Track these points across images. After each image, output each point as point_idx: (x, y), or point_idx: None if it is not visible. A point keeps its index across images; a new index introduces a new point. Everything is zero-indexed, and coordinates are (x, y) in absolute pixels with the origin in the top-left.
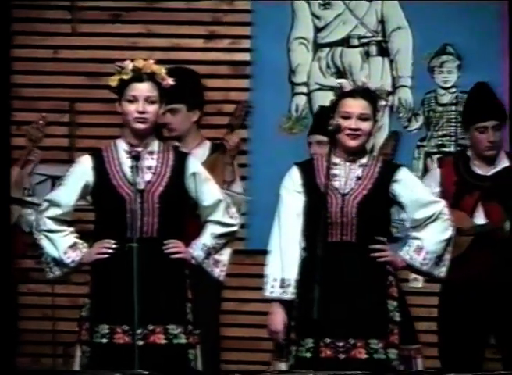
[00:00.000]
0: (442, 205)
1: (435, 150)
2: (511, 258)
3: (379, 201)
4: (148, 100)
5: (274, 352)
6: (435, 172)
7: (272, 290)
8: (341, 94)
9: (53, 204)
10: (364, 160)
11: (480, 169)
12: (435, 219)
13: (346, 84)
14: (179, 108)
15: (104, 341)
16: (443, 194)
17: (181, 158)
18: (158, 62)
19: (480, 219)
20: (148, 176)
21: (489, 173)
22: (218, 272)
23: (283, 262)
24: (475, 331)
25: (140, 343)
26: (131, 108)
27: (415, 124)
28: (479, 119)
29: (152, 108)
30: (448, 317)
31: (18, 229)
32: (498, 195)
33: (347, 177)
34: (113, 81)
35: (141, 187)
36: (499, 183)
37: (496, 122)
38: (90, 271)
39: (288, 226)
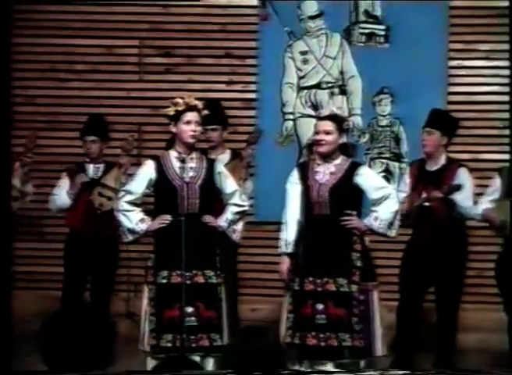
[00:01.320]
0: (391, 189)
1: (376, 156)
2: (447, 226)
3: (345, 188)
4: (197, 123)
5: (285, 288)
6: (407, 170)
7: (281, 247)
8: (317, 119)
9: (128, 192)
10: (337, 161)
11: (428, 167)
12: (386, 198)
13: (323, 112)
14: (217, 128)
15: (164, 281)
16: (412, 183)
17: (210, 162)
18: (198, 99)
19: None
20: (191, 173)
21: (433, 169)
22: (235, 236)
23: (288, 231)
24: (419, 278)
25: (188, 282)
26: (187, 128)
27: (363, 139)
28: (425, 127)
29: (199, 129)
30: (404, 266)
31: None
32: (437, 182)
33: (324, 172)
34: (170, 111)
35: (187, 180)
36: (439, 173)
37: (433, 130)
38: (154, 236)
39: (291, 208)
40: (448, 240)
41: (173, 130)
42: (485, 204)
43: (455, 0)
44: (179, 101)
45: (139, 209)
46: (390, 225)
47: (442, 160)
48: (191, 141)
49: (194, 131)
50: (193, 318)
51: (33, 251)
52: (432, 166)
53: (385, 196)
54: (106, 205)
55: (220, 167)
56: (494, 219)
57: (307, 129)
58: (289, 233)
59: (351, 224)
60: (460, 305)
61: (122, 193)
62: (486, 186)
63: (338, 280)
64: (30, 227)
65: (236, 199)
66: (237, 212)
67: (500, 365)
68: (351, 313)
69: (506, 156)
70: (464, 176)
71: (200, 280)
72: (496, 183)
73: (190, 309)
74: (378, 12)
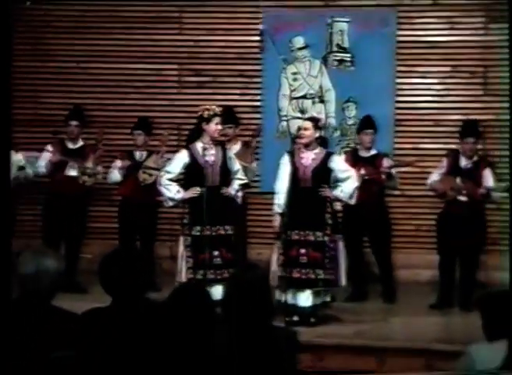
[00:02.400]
0: (352, 172)
1: (345, 146)
2: (382, 191)
3: (322, 170)
4: (220, 124)
5: (275, 237)
6: (344, 156)
7: (275, 209)
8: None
9: (168, 172)
10: (316, 151)
11: (362, 153)
12: (348, 178)
13: (305, 116)
14: (232, 126)
15: (198, 233)
16: (353, 165)
17: (224, 150)
18: (219, 106)
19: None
20: (212, 158)
21: (367, 155)
22: (239, 200)
23: (279, 197)
24: (358, 228)
25: (214, 234)
26: (215, 128)
27: (336, 134)
28: (362, 129)
29: (221, 128)
30: (345, 219)
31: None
32: (370, 163)
33: (307, 158)
34: (204, 115)
35: (210, 163)
36: (370, 159)
37: (370, 130)
38: (187, 202)
39: (282, 180)
40: (381, 203)
41: (205, 128)
42: (433, 178)
43: (400, 36)
44: (211, 108)
45: (176, 184)
46: (351, 196)
47: (374, 150)
48: (217, 136)
49: (219, 130)
50: (218, 259)
51: (100, 212)
52: (366, 153)
53: (348, 176)
54: (148, 179)
55: (231, 154)
56: (438, 189)
57: (296, 127)
58: (281, 199)
59: (325, 194)
60: (390, 250)
61: (164, 172)
62: (423, 167)
63: (316, 233)
64: (99, 195)
65: (238, 175)
66: (240, 184)
67: (428, 293)
68: (324, 256)
69: (439, 146)
70: (389, 162)
71: (221, 232)
72: (443, 163)
73: (216, 253)
74: (346, 45)
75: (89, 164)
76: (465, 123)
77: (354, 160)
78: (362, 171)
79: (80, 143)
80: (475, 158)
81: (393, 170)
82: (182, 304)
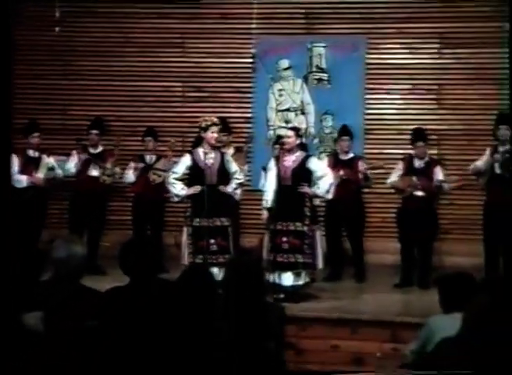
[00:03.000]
0: (327, 171)
1: (322, 151)
2: (359, 189)
3: (301, 170)
4: (217, 133)
5: (265, 228)
6: (327, 159)
7: (264, 204)
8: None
9: (174, 173)
10: (297, 154)
11: (341, 157)
12: (324, 176)
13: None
14: (226, 134)
15: (197, 224)
16: (333, 167)
17: (222, 154)
18: (217, 117)
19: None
20: (211, 161)
21: (345, 158)
22: (237, 197)
23: (267, 195)
24: (338, 220)
25: (211, 225)
26: (212, 136)
27: (315, 141)
28: (341, 136)
29: (217, 136)
30: (327, 213)
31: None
32: (348, 165)
33: (289, 160)
34: (202, 124)
35: (209, 165)
36: (348, 162)
37: (347, 137)
38: (190, 197)
39: (269, 181)
40: (357, 198)
41: (203, 135)
42: (393, 178)
43: (368, 59)
44: (208, 119)
45: (181, 182)
46: (327, 191)
47: (351, 154)
48: (213, 142)
49: (215, 138)
50: (214, 246)
51: (117, 207)
52: (344, 156)
53: (324, 174)
54: (157, 179)
55: (228, 157)
56: (398, 187)
57: (277, 136)
58: (268, 196)
59: (303, 190)
60: (363, 239)
61: (171, 173)
62: (388, 169)
63: (296, 223)
64: (115, 192)
65: (236, 175)
66: (237, 183)
67: (392, 274)
68: (303, 243)
69: (401, 151)
70: (363, 164)
71: (218, 223)
72: (400, 165)
73: (212, 241)
74: (323, 66)
75: (108, 166)
76: (414, 130)
77: (335, 163)
78: (341, 172)
79: (100, 148)
80: (426, 158)
81: (369, 172)
82: (189, 283)
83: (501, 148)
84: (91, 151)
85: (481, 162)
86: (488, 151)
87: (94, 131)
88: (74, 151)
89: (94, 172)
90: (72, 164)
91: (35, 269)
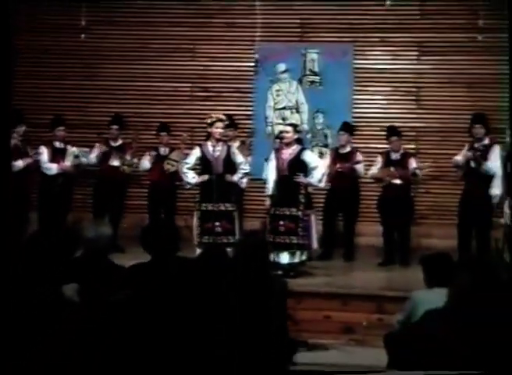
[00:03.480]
0: (321, 162)
1: (315, 145)
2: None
3: (296, 162)
4: (221, 128)
5: (267, 213)
6: (329, 154)
7: (266, 191)
8: (283, 126)
9: (186, 163)
10: (294, 147)
11: (341, 151)
12: (317, 167)
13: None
14: (232, 129)
15: (205, 209)
16: (334, 160)
17: (228, 147)
18: (223, 114)
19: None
20: (218, 153)
21: (344, 152)
22: (242, 185)
23: (269, 183)
24: (335, 207)
25: (216, 209)
26: (217, 130)
27: (308, 136)
28: (339, 131)
29: (222, 131)
30: (326, 200)
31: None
32: (346, 159)
33: (286, 153)
34: (208, 121)
35: (216, 157)
36: (347, 154)
37: (344, 132)
38: (199, 185)
39: (271, 171)
40: (353, 188)
41: (209, 130)
42: (373, 170)
43: (355, 64)
44: (213, 116)
45: (192, 172)
46: (320, 180)
47: (348, 148)
48: (218, 136)
49: (220, 132)
50: (219, 228)
51: (134, 193)
52: (343, 150)
53: (317, 166)
54: (171, 169)
55: (234, 149)
56: (378, 177)
57: (278, 131)
58: (270, 184)
59: (299, 180)
60: (355, 223)
61: (183, 163)
62: (372, 161)
63: (291, 209)
64: (133, 180)
65: (242, 166)
66: (243, 173)
67: (377, 254)
68: (297, 226)
69: (384, 145)
70: (359, 157)
71: (222, 208)
72: (379, 158)
73: (217, 223)
74: (316, 70)
75: (127, 157)
76: (388, 127)
77: (335, 156)
78: (338, 165)
79: (120, 141)
80: (401, 151)
81: (360, 165)
82: (207, 261)
83: (476, 145)
84: (112, 144)
85: (459, 157)
86: (466, 147)
87: (115, 126)
88: (97, 144)
89: (115, 162)
90: (94, 155)
91: (69, 247)
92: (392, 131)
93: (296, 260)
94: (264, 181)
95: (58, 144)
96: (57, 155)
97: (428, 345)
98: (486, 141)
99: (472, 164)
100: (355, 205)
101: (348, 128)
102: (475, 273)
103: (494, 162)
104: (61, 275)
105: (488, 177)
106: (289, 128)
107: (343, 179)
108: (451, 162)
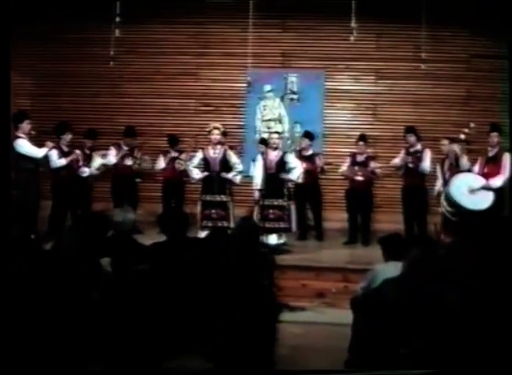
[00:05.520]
0: (298, 163)
1: (294, 149)
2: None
3: (281, 162)
4: (218, 135)
5: (255, 203)
6: (293, 154)
7: (255, 186)
8: (269, 134)
9: (192, 163)
10: (278, 151)
11: (303, 153)
12: (296, 167)
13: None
14: (225, 137)
15: (204, 199)
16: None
17: (224, 149)
18: (220, 124)
19: (303, 165)
20: (215, 154)
21: (306, 154)
22: (236, 181)
23: (256, 179)
24: (304, 197)
25: (213, 200)
26: (214, 137)
27: (288, 142)
28: (303, 137)
29: (219, 137)
30: (296, 193)
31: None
32: (309, 159)
33: (272, 155)
34: (207, 129)
35: (214, 157)
36: (308, 157)
37: (307, 139)
38: (201, 180)
39: (258, 169)
40: (316, 184)
41: (208, 137)
42: (343, 168)
43: (326, 86)
44: (211, 125)
45: (197, 169)
46: (298, 177)
47: (310, 151)
48: (215, 142)
49: (216, 138)
50: (215, 215)
51: (150, 186)
52: (306, 152)
53: (295, 166)
54: (180, 167)
55: (229, 151)
56: (346, 174)
57: (267, 136)
58: (257, 180)
59: (283, 176)
60: (321, 210)
61: (190, 162)
62: (338, 164)
63: (278, 200)
64: (147, 176)
65: (236, 165)
66: (237, 171)
67: (342, 235)
68: (283, 213)
69: (349, 150)
70: (320, 158)
71: (218, 199)
72: (347, 160)
73: (213, 211)
74: (295, 89)
75: (138, 157)
76: (359, 136)
77: (299, 158)
78: (303, 165)
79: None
80: (365, 155)
81: (325, 166)
82: (211, 240)
83: (411, 150)
84: (124, 147)
85: (397, 160)
86: (403, 151)
87: (128, 138)
88: (112, 147)
89: (128, 161)
90: (112, 157)
91: (103, 229)
92: (360, 138)
93: (281, 241)
94: (251, 178)
95: (87, 150)
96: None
97: (384, 306)
98: (419, 147)
99: (410, 165)
100: (319, 196)
101: (308, 135)
102: (422, 248)
103: (426, 163)
104: (98, 251)
105: (422, 174)
106: (276, 135)
107: (309, 176)
108: (390, 164)
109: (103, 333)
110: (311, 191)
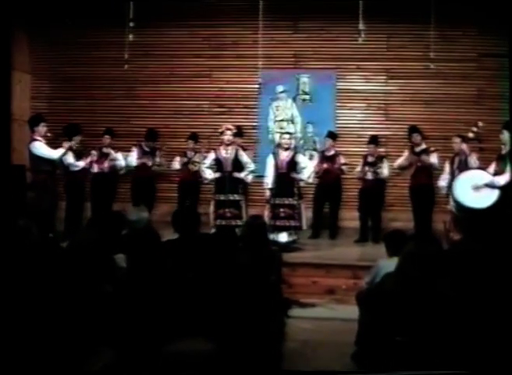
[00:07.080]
0: (310, 163)
1: (307, 149)
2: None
3: (292, 162)
4: (230, 136)
5: (266, 202)
6: (316, 155)
7: (266, 185)
8: (281, 134)
9: (205, 163)
10: (290, 151)
11: (327, 153)
12: (306, 166)
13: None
14: (239, 138)
15: (218, 198)
16: (321, 161)
17: (236, 150)
18: (233, 126)
19: (324, 166)
20: (228, 155)
21: (329, 155)
22: (248, 180)
23: (268, 179)
24: (323, 197)
25: (227, 199)
26: (226, 138)
27: (301, 142)
28: (325, 137)
29: (231, 138)
30: (316, 192)
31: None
32: (330, 160)
33: (284, 155)
34: (220, 130)
35: (226, 157)
36: (330, 157)
37: (329, 139)
38: (214, 180)
39: (269, 169)
40: (338, 184)
41: (221, 138)
42: (358, 169)
43: (338, 86)
44: (224, 126)
45: (210, 170)
46: (309, 177)
47: (332, 151)
48: (227, 143)
49: (228, 139)
50: (229, 214)
51: (167, 187)
52: (329, 152)
53: (307, 166)
54: (194, 168)
55: (241, 152)
56: (359, 175)
57: (278, 138)
58: (269, 179)
59: (294, 176)
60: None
61: (203, 163)
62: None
63: (289, 199)
64: (163, 178)
65: (248, 165)
66: (249, 171)
67: (354, 234)
68: (294, 212)
69: (361, 150)
70: (342, 159)
71: (231, 198)
72: (362, 161)
73: (227, 210)
74: (307, 90)
75: (157, 159)
76: (371, 137)
77: (322, 158)
78: (325, 165)
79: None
80: (376, 155)
81: (344, 166)
82: (220, 237)
83: (417, 149)
84: (145, 149)
85: (402, 160)
86: (406, 152)
87: (149, 140)
88: (134, 148)
89: (148, 163)
90: (133, 158)
91: (118, 227)
92: (371, 140)
93: (292, 239)
94: (264, 177)
95: (104, 150)
96: (101, 158)
97: (384, 299)
98: (424, 146)
99: (418, 164)
100: (339, 196)
101: (332, 135)
102: (416, 243)
103: (435, 159)
104: (113, 247)
105: (430, 173)
106: (287, 136)
107: (330, 176)
108: (394, 166)
109: (114, 319)
110: (332, 190)
